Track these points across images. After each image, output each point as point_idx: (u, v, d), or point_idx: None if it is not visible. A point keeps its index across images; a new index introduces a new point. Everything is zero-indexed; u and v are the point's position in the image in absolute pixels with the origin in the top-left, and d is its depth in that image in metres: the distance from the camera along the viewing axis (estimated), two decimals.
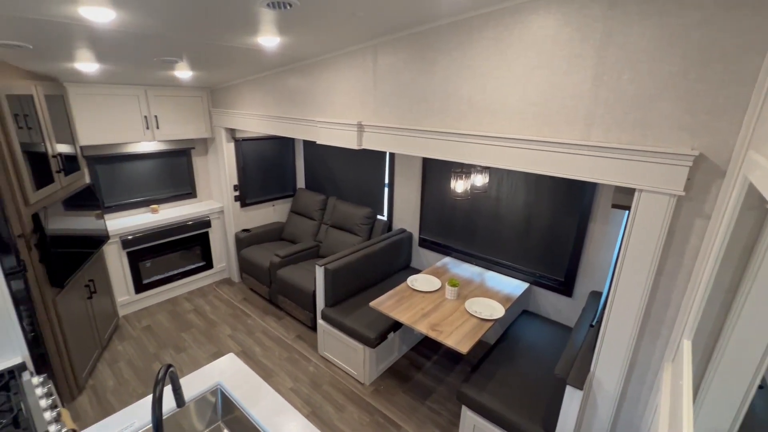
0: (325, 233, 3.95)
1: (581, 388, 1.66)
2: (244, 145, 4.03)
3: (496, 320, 2.35)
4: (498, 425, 2.03)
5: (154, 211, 3.79)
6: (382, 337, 2.67)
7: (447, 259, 3.27)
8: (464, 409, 2.18)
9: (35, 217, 2.21)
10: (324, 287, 2.88)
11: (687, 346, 1.25)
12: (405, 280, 2.86)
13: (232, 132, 3.88)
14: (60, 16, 1.49)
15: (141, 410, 1.42)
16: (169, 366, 1.05)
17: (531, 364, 2.32)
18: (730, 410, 1.08)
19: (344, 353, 2.86)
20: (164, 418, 1.40)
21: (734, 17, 1.19)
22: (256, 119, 3.29)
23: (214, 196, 4.27)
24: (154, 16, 1.55)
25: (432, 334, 2.20)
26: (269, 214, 4.49)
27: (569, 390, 1.70)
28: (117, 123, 3.26)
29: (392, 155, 3.52)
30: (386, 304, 2.53)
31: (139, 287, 3.63)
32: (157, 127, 3.50)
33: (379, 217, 3.74)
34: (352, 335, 2.71)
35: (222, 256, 4.25)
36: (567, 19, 1.51)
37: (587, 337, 2.02)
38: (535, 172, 1.69)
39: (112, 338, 3.27)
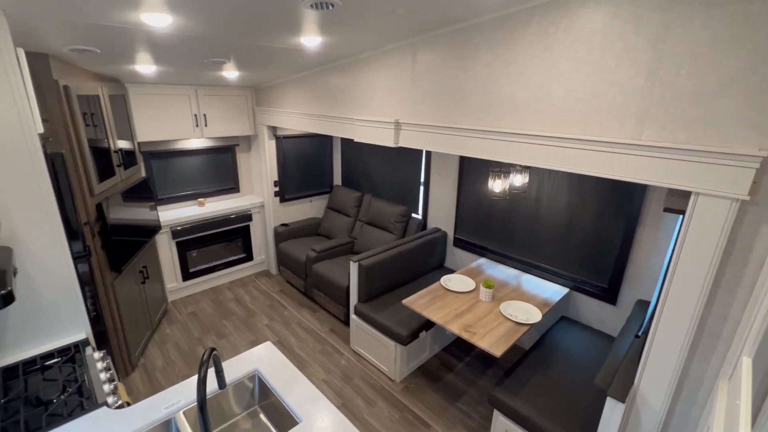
0: (360, 230, 4.01)
1: (623, 401, 1.57)
2: (284, 143, 4.16)
3: (532, 325, 2.28)
4: None
5: (201, 204, 4.02)
6: (414, 336, 2.67)
7: (482, 260, 3.21)
8: (496, 413, 2.14)
9: (98, 207, 2.41)
10: (358, 283, 2.93)
11: (747, 363, 1.15)
12: (438, 279, 2.84)
13: (273, 130, 4.03)
14: (124, 22, 1.61)
15: (186, 389, 1.52)
16: (213, 349, 1.12)
17: (568, 373, 2.22)
18: None
19: (375, 349, 2.89)
20: (207, 398, 1.48)
21: None
22: (296, 117, 3.39)
23: (256, 191, 4.45)
24: (206, 20, 1.64)
25: (465, 336, 2.17)
26: (306, 209, 4.61)
27: (610, 402, 1.62)
28: (170, 121, 3.48)
29: (428, 154, 3.50)
30: (419, 302, 2.52)
31: (186, 275, 3.87)
32: (206, 125, 3.70)
33: (413, 215, 3.73)
34: (383, 331, 2.73)
35: (261, 248, 4.43)
36: (619, 12, 1.43)
37: (632, 348, 1.91)
38: (580, 172, 1.62)
39: (162, 321, 3.52)
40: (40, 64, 2.00)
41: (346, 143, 4.45)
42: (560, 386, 2.12)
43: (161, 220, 3.54)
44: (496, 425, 2.17)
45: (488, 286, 2.53)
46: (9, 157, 1.50)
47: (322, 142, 4.53)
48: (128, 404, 1.52)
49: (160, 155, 3.73)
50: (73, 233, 2.04)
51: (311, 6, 1.53)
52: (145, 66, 2.61)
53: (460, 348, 3.15)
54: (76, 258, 1.83)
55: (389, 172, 3.97)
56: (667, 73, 1.35)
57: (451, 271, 3.40)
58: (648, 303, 2.36)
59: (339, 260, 3.68)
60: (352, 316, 3.03)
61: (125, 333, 2.72)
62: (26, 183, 1.56)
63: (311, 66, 2.94)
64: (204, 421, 1.08)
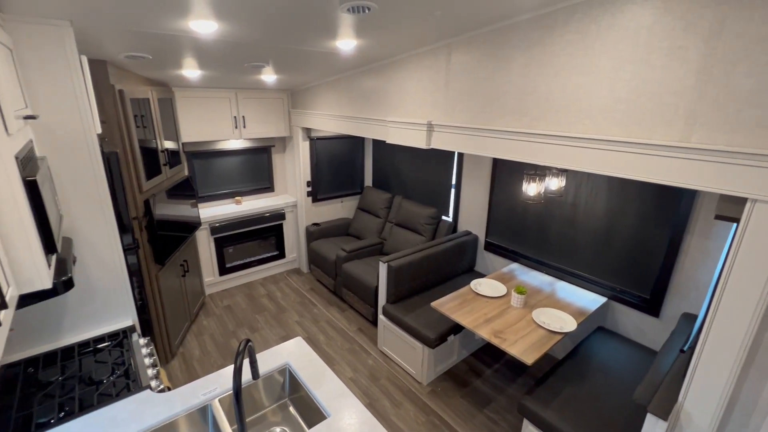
0: (389, 231, 4.02)
1: (666, 419, 1.48)
2: (317, 144, 4.26)
3: (566, 334, 2.20)
4: None
5: (238, 202, 4.18)
6: (442, 339, 2.64)
7: (514, 266, 3.13)
8: (525, 422, 2.08)
9: (146, 203, 2.58)
10: (386, 283, 2.94)
11: None
12: (468, 283, 2.80)
13: (307, 131, 4.13)
14: (174, 30, 1.72)
15: (221, 378, 1.59)
16: (248, 341, 1.16)
17: (604, 385, 2.13)
18: None
19: (403, 350, 2.89)
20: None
21: None
22: (329, 119, 3.46)
23: (289, 191, 4.58)
24: (249, 25, 1.71)
25: (495, 341, 2.13)
26: (337, 209, 4.69)
27: (651, 419, 1.53)
28: (212, 122, 3.66)
29: (460, 156, 3.46)
30: (448, 305, 2.50)
31: (223, 270, 4.04)
32: (244, 126, 3.86)
33: (444, 217, 3.70)
34: (411, 333, 2.73)
35: (293, 247, 4.55)
36: (667, 8, 1.35)
37: (676, 364, 1.80)
38: (622, 176, 1.55)
39: (199, 314, 3.69)
40: (99, 70, 2.17)
41: (378, 145, 4.48)
42: (595, 399, 2.03)
43: (201, 216, 3.72)
44: None
45: (520, 292, 2.47)
46: (72, 155, 1.64)
47: (354, 143, 4.60)
48: (168, 389, 1.61)
49: (202, 155, 3.93)
50: (123, 227, 2.19)
51: (348, 10, 1.56)
52: (190, 71, 2.76)
53: (488, 354, 3.09)
54: (126, 250, 1.96)
55: (420, 173, 3.96)
56: (722, 71, 1.27)
57: (482, 276, 3.34)
58: (695, 316, 2.21)
59: (368, 260, 3.71)
60: (380, 317, 3.05)
61: (167, 323, 2.88)
62: (86, 179, 1.70)
63: (345, 69, 2.99)
64: (239, 408, 1.13)
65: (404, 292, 3.01)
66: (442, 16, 1.72)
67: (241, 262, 4.17)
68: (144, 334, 2.42)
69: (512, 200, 3.11)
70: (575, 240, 2.77)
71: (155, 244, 2.65)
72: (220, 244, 3.95)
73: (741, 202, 1.31)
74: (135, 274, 2.28)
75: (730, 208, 1.38)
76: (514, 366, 2.96)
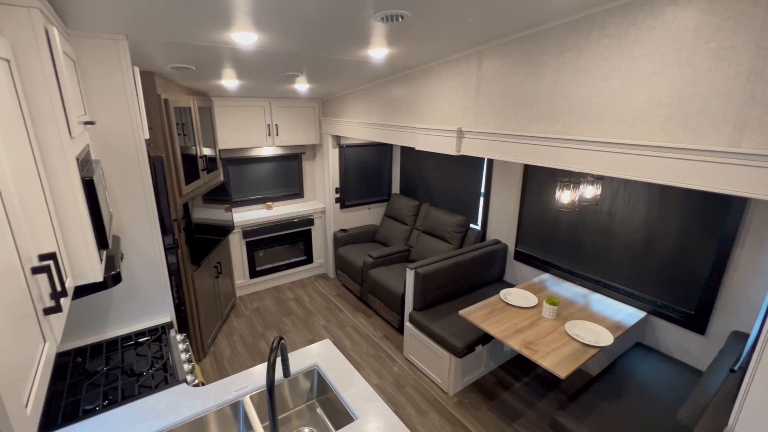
0: (416, 238, 4.01)
1: None
2: (346, 151, 4.33)
3: (601, 348, 2.10)
4: None
5: (269, 207, 4.31)
6: (470, 348, 2.59)
7: (545, 276, 3.04)
8: None
9: (185, 206, 2.71)
10: (413, 290, 2.93)
11: None
12: (497, 293, 2.75)
13: (337, 139, 4.22)
14: (217, 41, 1.82)
15: (253, 376, 1.63)
16: (281, 338, 1.19)
17: (644, 404, 2.01)
18: None
19: (429, 359, 2.86)
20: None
21: None
22: (359, 126, 3.53)
23: (318, 197, 4.67)
24: (286, 36, 1.79)
25: (525, 353, 2.07)
26: (364, 216, 4.73)
27: None
28: (246, 130, 3.82)
29: (489, 163, 3.42)
30: (476, 314, 2.46)
31: (253, 273, 4.15)
32: (277, 134, 3.99)
33: (472, 226, 3.66)
34: (438, 341, 2.70)
35: (321, 252, 4.62)
36: (714, 8, 1.30)
37: (725, 384, 1.68)
38: (665, 183, 1.48)
39: (230, 315, 3.80)
40: (147, 81, 2.32)
41: (405, 153, 4.51)
42: (633, 418, 1.92)
43: (234, 220, 3.85)
44: None
45: (552, 303, 2.39)
46: (122, 159, 1.76)
47: (382, 151, 4.64)
48: (202, 384, 1.67)
49: (236, 161, 4.09)
50: (165, 228, 2.31)
51: (382, 19, 1.60)
52: (229, 81, 2.90)
53: (517, 367, 3.00)
54: (167, 250, 2.07)
55: (448, 181, 3.94)
56: None
57: (511, 286, 3.26)
58: (747, 335, 2.06)
59: (395, 267, 3.71)
60: (407, 324, 3.03)
61: (200, 322, 2.98)
62: (134, 181, 1.81)
63: (375, 78, 3.04)
64: (272, 403, 1.15)
65: (431, 299, 2.98)
66: (473, 23, 1.73)
67: (271, 265, 4.28)
68: (180, 331, 2.52)
69: (544, 209, 3.04)
70: (611, 251, 2.66)
71: (192, 245, 2.77)
72: (252, 248, 4.07)
73: None
74: (174, 273, 2.39)
75: None
76: (545, 380, 2.85)
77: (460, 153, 2.40)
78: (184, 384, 1.57)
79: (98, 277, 1.24)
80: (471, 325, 2.66)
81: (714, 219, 2.15)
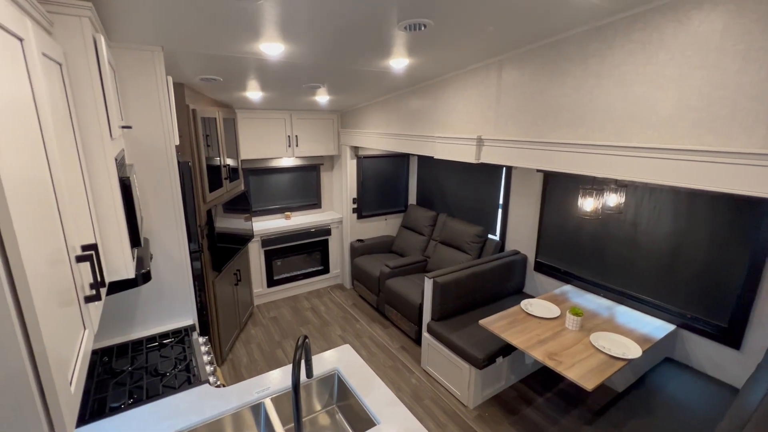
0: (433, 249, 3.99)
1: None
2: (364, 162, 4.39)
3: (629, 360, 2.03)
4: None
5: (287, 217, 4.37)
6: (490, 360, 2.53)
7: (567, 287, 2.97)
8: None
9: (208, 213, 2.77)
10: (432, 300, 2.90)
11: None
12: (516, 304, 2.69)
13: (355, 150, 4.28)
14: (246, 52, 1.89)
15: (273, 379, 1.63)
16: (306, 336, 1.20)
17: (676, 422, 1.91)
18: None
19: (448, 370, 2.80)
20: (289, 390, 1.57)
21: None
22: (378, 137, 3.57)
23: (335, 208, 4.72)
24: (311, 45, 1.85)
25: (549, 364, 2.01)
26: (381, 227, 4.74)
27: None
28: (268, 141, 3.92)
29: (508, 173, 3.40)
30: (497, 324, 2.41)
31: (270, 282, 4.19)
32: (297, 145, 4.08)
33: (490, 236, 3.62)
34: (457, 352, 2.65)
35: (337, 262, 4.63)
36: (741, 10, 1.30)
37: (764, 402, 1.59)
38: (694, 187, 1.45)
39: (247, 323, 3.83)
40: (177, 91, 2.42)
41: (423, 164, 4.53)
42: None
43: (254, 229, 3.92)
44: None
45: (576, 314, 2.33)
46: (154, 163, 1.83)
47: (399, 162, 4.68)
48: (224, 386, 1.67)
49: (257, 172, 4.18)
50: (190, 233, 2.37)
51: (405, 28, 1.64)
52: (253, 92, 3.00)
53: (540, 382, 2.90)
54: (192, 254, 2.11)
55: (465, 191, 3.93)
56: None
57: (531, 297, 3.19)
58: None
59: (412, 278, 3.69)
60: (425, 334, 2.99)
61: (219, 328, 3.01)
62: (163, 186, 1.87)
63: (395, 89, 3.10)
64: (296, 400, 1.15)
65: (450, 309, 2.94)
66: (494, 32, 1.76)
67: (288, 275, 4.31)
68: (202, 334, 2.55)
69: (565, 219, 2.99)
70: (636, 261, 2.59)
71: (214, 251, 2.83)
72: (270, 257, 4.12)
73: None
74: (197, 278, 2.43)
75: None
76: (569, 396, 2.75)
77: (480, 161, 2.41)
78: (207, 385, 1.59)
79: (130, 273, 1.27)
80: (491, 336, 2.61)
81: (746, 227, 2.08)
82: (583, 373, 1.92)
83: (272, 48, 1.83)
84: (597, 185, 2.36)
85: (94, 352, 1.79)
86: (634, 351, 2.09)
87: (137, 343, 1.88)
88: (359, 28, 1.65)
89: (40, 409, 0.58)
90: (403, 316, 3.48)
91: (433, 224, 4.18)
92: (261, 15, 1.45)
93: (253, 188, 4.21)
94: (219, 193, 3.03)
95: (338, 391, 1.69)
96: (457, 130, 2.57)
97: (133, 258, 1.34)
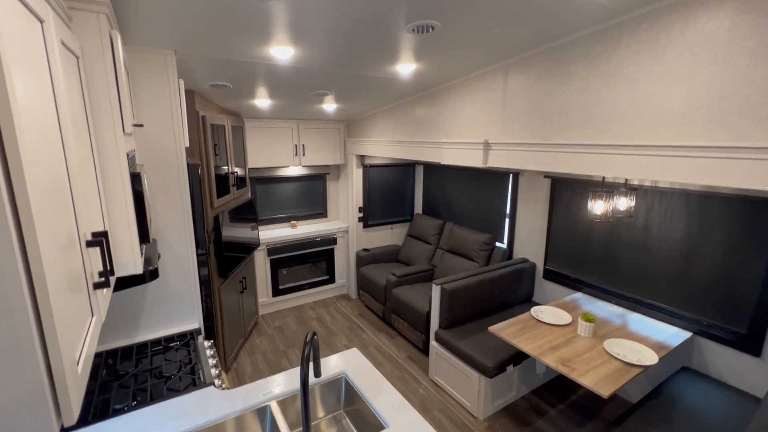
0: (440, 257, 3.96)
1: None
2: (370, 171, 4.40)
3: (646, 367, 1.96)
4: None
5: (293, 226, 4.37)
6: (500, 368, 2.47)
7: (578, 295, 2.91)
8: None
9: (215, 219, 2.78)
10: (440, 307, 2.85)
11: None
12: (526, 312, 2.64)
13: (361, 159, 4.30)
14: (256, 57, 1.93)
15: (279, 382, 1.59)
16: (314, 333, 1.17)
17: None
18: None
19: (457, 380, 2.73)
20: (296, 393, 1.53)
21: None
22: (384, 145, 3.59)
23: (341, 217, 4.71)
24: (320, 49, 1.88)
25: (563, 370, 1.95)
26: (387, 236, 4.72)
27: None
28: (275, 149, 3.95)
29: (515, 179, 3.39)
30: (507, 331, 2.36)
31: (276, 291, 4.16)
32: (303, 154, 4.11)
33: (498, 244, 3.59)
34: (466, 361, 2.58)
35: (343, 272, 4.60)
36: (749, 5, 1.30)
37: None
38: (708, 183, 1.43)
39: (252, 332, 3.78)
40: (188, 98, 2.46)
41: (429, 173, 4.54)
42: None
43: (260, 238, 3.91)
44: None
45: (588, 320, 2.27)
46: (163, 164, 1.84)
47: (405, 171, 4.69)
48: (228, 388, 1.64)
49: (263, 180, 4.21)
50: (197, 237, 2.37)
51: (413, 30, 1.67)
52: (262, 100, 3.04)
53: (552, 393, 2.82)
54: (199, 257, 2.11)
55: (472, 199, 3.92)
56: None
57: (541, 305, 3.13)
58: None
59: (419, 286, 3.64)
60: (433, 343, 2.93)
61: (224, 337, 2.97)
62: (173, 187, 1.88)
63: (401, 97, 3.13)
64: (305, 399, 1.12)
65: (458, 317, 2.89)
66: (501, 34, 1.78)
67: (293, 284, 4.28)
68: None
69: (574, 225, 2.96)
70: (649, 267, 2.54)
71: (220, 257, 2.82)
72: (275, 266, 4.10)
73: None
74: (204, 283, 2.42)
75: None
76: (582, 407, 2.66)
77: (487, 165, 2.40)
78: (212, 387, 1.55)
79: (138, 269, 1.27)
80: (500, 344, 2.55)
81: (762, 230, 2.04)
82: (597, 380, 1.86)
83: (282, 52, 1.87)
84: (607, 188, 2.34)
85: (98, 354, 1.77)
86: (650, 358, 2.02)
87: (142, 346, 1.86)
88: (367, 30, 1.67)
89: (46, 384, 0.56)
90: (409, 325, 3.42)
91: (440, 233, 4.16)
92: (272, 16, 1.48)
93: (260, 197, 4.23)
94: (226, 200, 3.04)
95: (345, 395, 1.64)
96: (464, 135, 2.58)
97: (142, 254, 1.33)
